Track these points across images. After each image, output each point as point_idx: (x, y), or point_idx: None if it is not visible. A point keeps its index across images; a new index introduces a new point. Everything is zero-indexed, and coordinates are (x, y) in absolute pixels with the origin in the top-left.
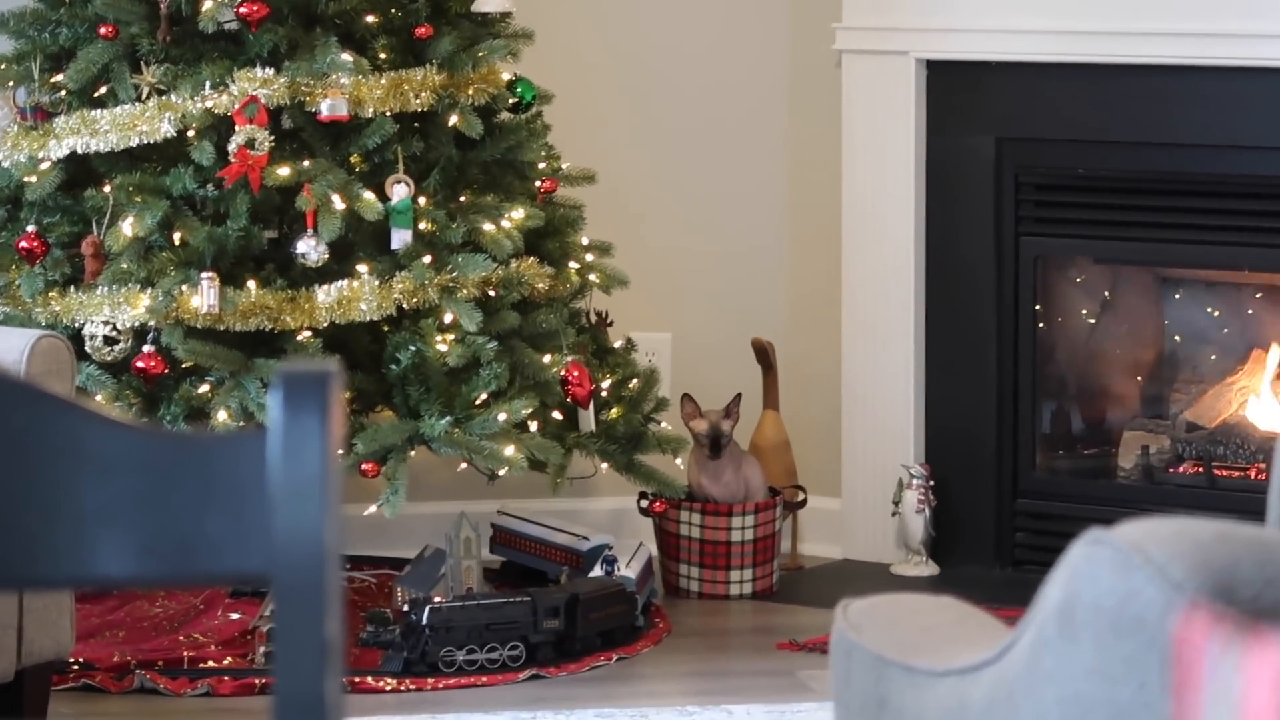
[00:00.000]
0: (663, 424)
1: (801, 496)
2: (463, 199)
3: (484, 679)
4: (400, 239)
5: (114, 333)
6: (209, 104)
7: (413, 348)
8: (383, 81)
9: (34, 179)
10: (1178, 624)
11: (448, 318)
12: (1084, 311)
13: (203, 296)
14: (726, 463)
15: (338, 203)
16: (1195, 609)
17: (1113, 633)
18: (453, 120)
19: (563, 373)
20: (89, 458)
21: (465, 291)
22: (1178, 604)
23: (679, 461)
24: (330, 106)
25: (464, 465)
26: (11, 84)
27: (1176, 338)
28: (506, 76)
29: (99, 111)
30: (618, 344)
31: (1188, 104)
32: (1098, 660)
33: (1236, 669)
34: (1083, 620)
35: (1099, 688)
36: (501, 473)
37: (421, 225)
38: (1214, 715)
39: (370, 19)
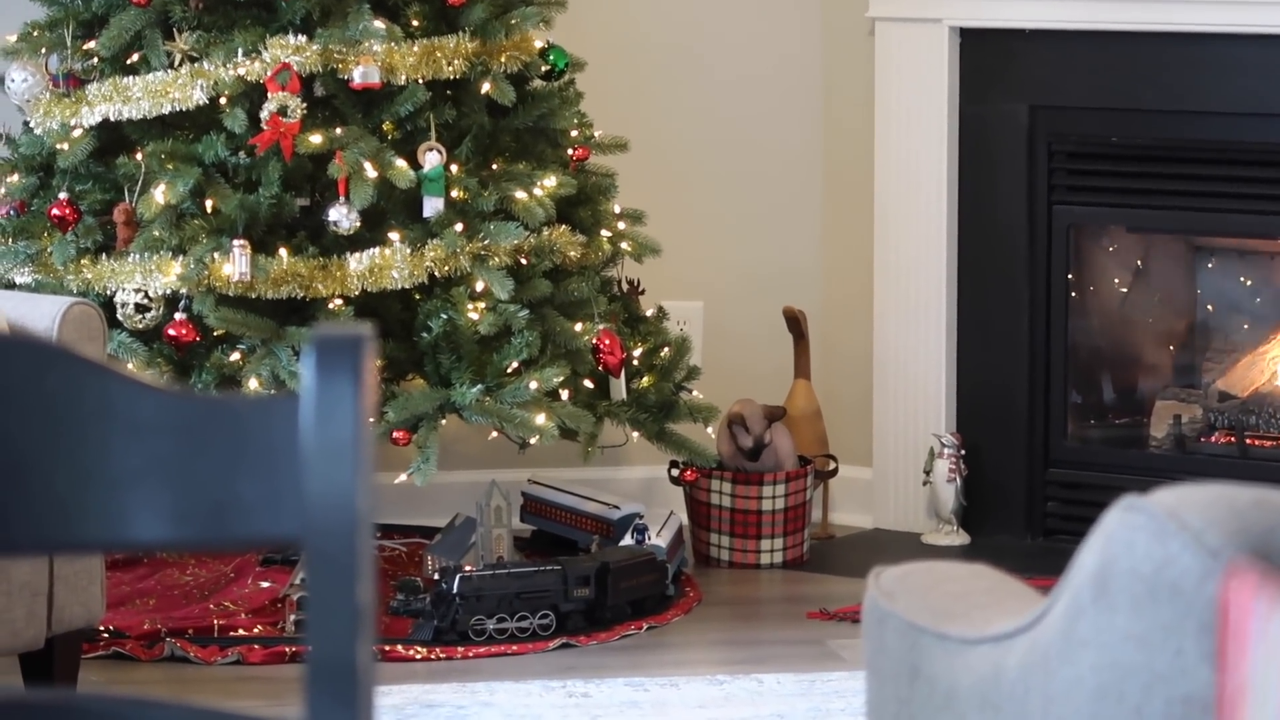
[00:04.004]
0: (694, 393)
1: (832, 465)
2: (495, 167)
3: (514, 648)
4: (432, 207)
5: (145, 300)
6: (241, 71)
7: (444, 316)
8: (415, 49)
9: (66, 146)
10: (1223, 586)
11: (479, 286)
12: (1116, 280)
13: (234, 264)
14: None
15: (370, 170)
16: (1239, 572)
17: (1149, 599)
18: (485, 88)
19: (594, 341)
20: (122, 421)
21: (497, 259)
22: (1214, 570)
23: (710, 430)
24: (363, 74)
25: (495, 434)
26: (44, 51)
27: (1209, 307)
28: (539, 44)
29: (131, 79)
30: (649, 312)
31: (1221, 72)
32: (1134, 627)
33: None
34: (1119, 587)
35: (1135, 654)
36: (532, 441)
37: (453, 193)
38: (1261, 676)
39: None
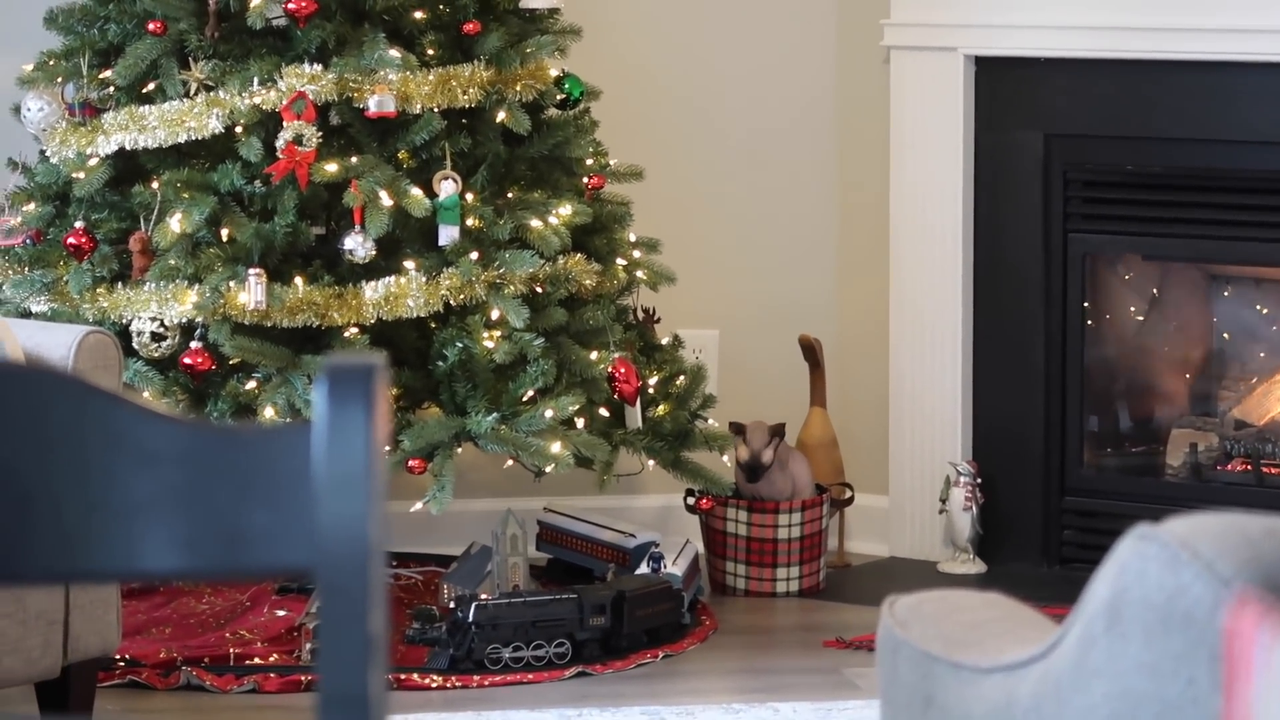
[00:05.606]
0: (710, 421)
1: (848, 494)
2: (510, 195)
3: (530, 676)
4: (448, 235)
5: (161, 329)
6: (257, 100)
7: (460, 344)
8: (430, 77)
9: (82, 175)
10: (1228, 616)
11: (495, 314)
12: (1132, 309)
13: (250, 293)
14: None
15: (385, 199)
16: (1245, 601)
17: (1161, 628)
18: (500, 116)
19: (609, 369)
20: (135, 451)
21: (512, 288)
22: (1226, 599)
23: (725, 458)
24: (378, 103)
25: (510, 462)
26: (60, 80)
27: (1225, 335)
28: (554, 72)
29: (147, 108)
30: (665, 341)
31: (1236, 100)
32: (1146, 656)
33: None
34: (1131, 616)
35: (1147, 684)
36: (548, 469)
37: (469, 222)
38: (1265, 707)
39: (418, 15)
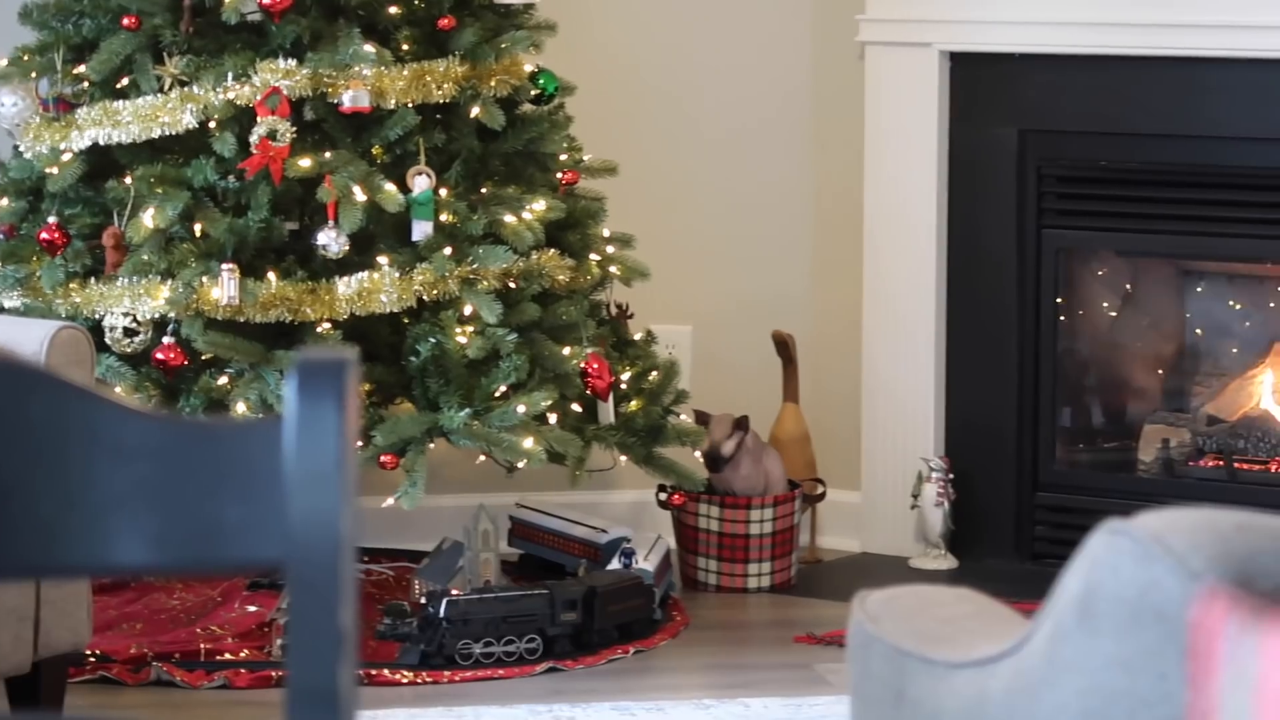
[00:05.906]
0: (682, 416)
1: (821, 489)
2: (484, 190)
3: (501, 672)
4: (421, 231)
5: (134, 324)
6: (231, 95)
7: (433, 340)
8: (405, 73)
9: (55, 170)
10: (1195, 609)
11: (468, 310)
12: (1105, 304)
13: (223, 288)
14: (745, 455)
15: (359, 194)
16: (1211, 594)
17: (1133, 623)
18: (475, 112)
19: (582, 365)
20: (107, 445)
21: (486, 283)
22: (1197, 594)
23: (698, 454)
24: (352, 98)
25: (483, 458)
26: (34, 75)
27: (1198, 331)
28: (529, 68)
29: (121, 103)
30: (638, 336)
31: (1211, 96)
32: (1118, 651)
33: (1254, 652)
34: (1102, 611)
35: (1119, 679)
36: (520, 465)
37: (443, 217)
38: (1231, 699)
39: (393, 10)
